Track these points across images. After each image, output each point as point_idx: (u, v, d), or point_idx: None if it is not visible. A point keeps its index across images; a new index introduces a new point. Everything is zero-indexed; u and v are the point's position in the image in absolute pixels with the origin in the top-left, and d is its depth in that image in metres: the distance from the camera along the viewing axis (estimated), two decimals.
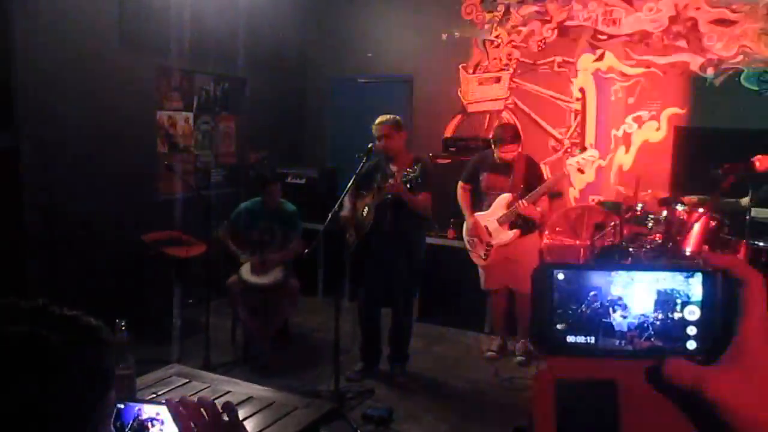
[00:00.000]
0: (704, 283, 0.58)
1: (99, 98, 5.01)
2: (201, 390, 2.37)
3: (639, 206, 5.03)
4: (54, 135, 4.70)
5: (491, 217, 4.95)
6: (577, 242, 6.17)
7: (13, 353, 0.82)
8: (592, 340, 0.61)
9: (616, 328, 0.60)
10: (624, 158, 6.18)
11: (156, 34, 5.41)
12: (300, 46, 7.40)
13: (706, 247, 4.66)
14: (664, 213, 4.98)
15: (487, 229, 4.96)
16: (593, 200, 6.18)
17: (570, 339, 0.61)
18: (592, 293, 0.61)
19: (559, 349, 0.62)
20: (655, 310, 0.60)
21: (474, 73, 6.71)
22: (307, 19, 7.37)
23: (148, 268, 5.34)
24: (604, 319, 0.61)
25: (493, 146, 4.89)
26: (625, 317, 0.60)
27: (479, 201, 5.06)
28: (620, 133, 6.16)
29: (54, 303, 0.89)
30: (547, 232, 6.19)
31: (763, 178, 3.79)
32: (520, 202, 4.76)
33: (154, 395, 2.29)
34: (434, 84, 6.87)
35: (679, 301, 0.59)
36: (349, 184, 4.36)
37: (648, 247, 4.94)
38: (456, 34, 6.72)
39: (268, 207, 5.04)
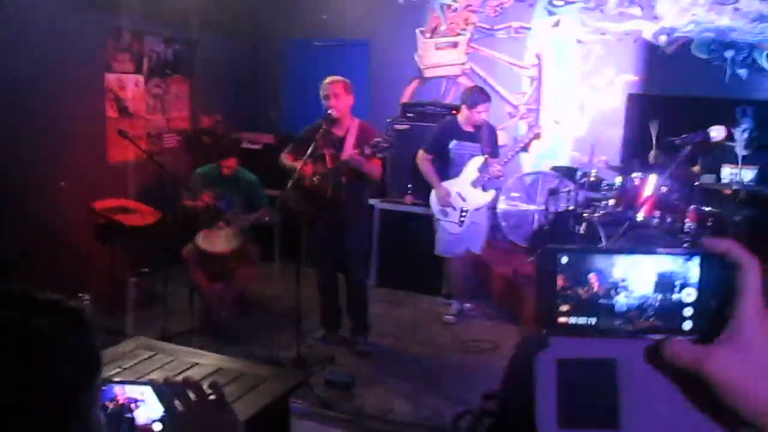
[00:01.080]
0: (702, 266, 0.60)
1: (45, 58, 4.78)
2: (167, 363, 2.34)
3: (593, 172, 5.14)
4: None
5: (464, 182, 5.03)
6: (532, 207, 6.29)
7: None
8: (593, 320, 0.62)
9: (617, 310, 0.62)
10: (578, 124, 6.27)
11: None
12: (253, 7, 7.19)
13: (657, 212, 4.81)
14: (618, 179, 5.10)
15: (459, 195, 5.02)
16: (548, 167, 6.27)
17: (572, 320, 0.63)
18: (593, 275, 0.62)
19: (561, 330, 0.63)
20: (655, 292, 0.61)
21: (431, 37, 6.67)
22: None
23: (101, 235, 5.20)
24: (605, 301, 0.62)
25: (466, 109, 4.93)
26: (626, 299, 0.62)
27: (445, 168, 5.08)
28: (575, 99, 6.24)
29: (33, 287, 0.86)
30: (502, 198, 6.29)
31: (712, 146, 3.91)
32: (495, 165, 4.90)
33: (119, 369, 2.26)
34: (391, 48, 6.81)
35: (678, 282, 0.61)
36: (288, 147, 4.52)
37: (602, 212, 5.06)
38: None
39: (225, 174, 4.95)
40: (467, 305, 5.44)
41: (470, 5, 6.48)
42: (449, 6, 6.56)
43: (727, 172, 5.12)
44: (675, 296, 0.61)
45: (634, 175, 4.94)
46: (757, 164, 5.03)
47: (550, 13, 6.22)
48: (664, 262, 0.61)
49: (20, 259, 4.51)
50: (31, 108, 4.75)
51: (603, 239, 4.73)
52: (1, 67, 4.48)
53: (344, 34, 6.97)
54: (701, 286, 0.60)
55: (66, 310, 0.86)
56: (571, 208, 5.38)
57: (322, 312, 4.78)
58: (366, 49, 6.92)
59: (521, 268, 5.61)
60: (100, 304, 4.34)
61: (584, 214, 5.01)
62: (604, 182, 5.26)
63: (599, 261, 0.62)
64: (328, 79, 4.37)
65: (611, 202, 5.09)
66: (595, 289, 0.62)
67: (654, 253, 0.61)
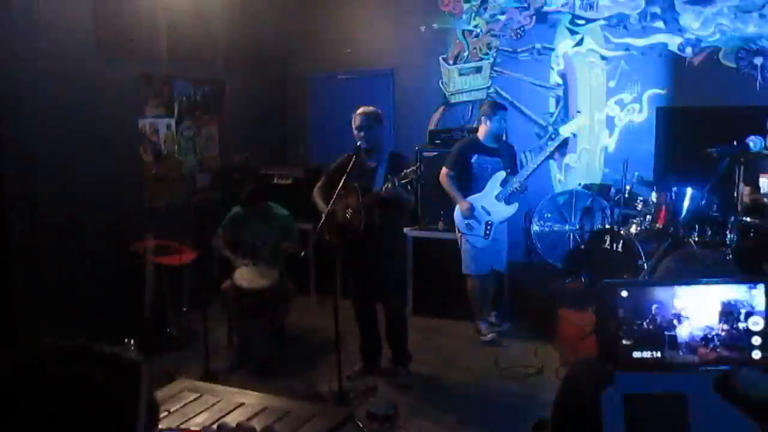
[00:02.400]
0: (767, 294, 0.59)
1: (78, 107, 4.91)
2: (213, 404, 2.35)
3: (627, 188, 5.07)
4: (34, 145, 4.60)
5: (488, 196, 5.16)
6: (567, 227, 6.23)
7: (60, 396, 0.81)
8: (658, 354, 0.61)
9: (680, 341, 0.61)
10: (608, 141, 6.22)
11: (132, 40, 5.33)
12: (278, 45, 7.34)
13: (697, 225, 4.71)
14: (653, 194, 5.03)
15: (484, 208, 5.14)
16: (579, 184, 6.21)
17: (636, 354, 0.62)
18: (655, 307, 0.61)
19: (626, 365, 0.62)
20: (720, 321, 0.60)
21: (454, 63, 6.71)
22: (284, 17, 7.30)
23: (139, 277, 5.28)
24: (668, 332, 0.61)
25: (486, 120, 5.14)
26: (689, 329, 0.61)
27: (467, 184, 5.20)
28: (603, 116, 6.20)
29: (93, 341, 0.88)
30: (535, 219, 6.24)
31: (750, 157, 3.83)
32: (518, 177, 5.10)
33: (167, 413, 2.27)
34: (415, 77, 6.87)
35: (743, 311, 0.60)
36: (320, 181, 4.57)
37: (639, 229, 4.98)
38: (434, 25, 6.71)
39: (256, 212, 5.01)
40: (505, 325, 5.42)
41: (492, 29, 6.52)
42: (471, 32, 6.61)
43: (766, 182, 5.01)
44: (741, 325, 0.60)
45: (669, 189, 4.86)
46: None
47: (573, 33, 6.22)
48: (727, 291, 0.60)
49: (64, 301, 4.60)
50: (70, 156, 4.88)
51: (642, 256, 4.65)
52: (36, 121, 4.61)
53: (368, 64, 7.06)
54: None
55: (125, 363, 0.87)
56: (607, 226, 5.30)
57: (361, 343, 4.75)
58: (390, 79, 6.99)
59: (559, 288, 5.54)
60: (141, 345, 4.38)
61: (621, 232, 4.93)
62: (639, 198, 5.18)
63: (659, 293, 0.61)
64: (360, 110, 4.38)
65: (648, 217, 5.01)
66: (658, 321, 0.61)
67: (717, 282, 0.60)
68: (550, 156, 5.54)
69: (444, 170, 5.26)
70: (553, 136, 5.71)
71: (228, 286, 4.88)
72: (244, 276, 4.86)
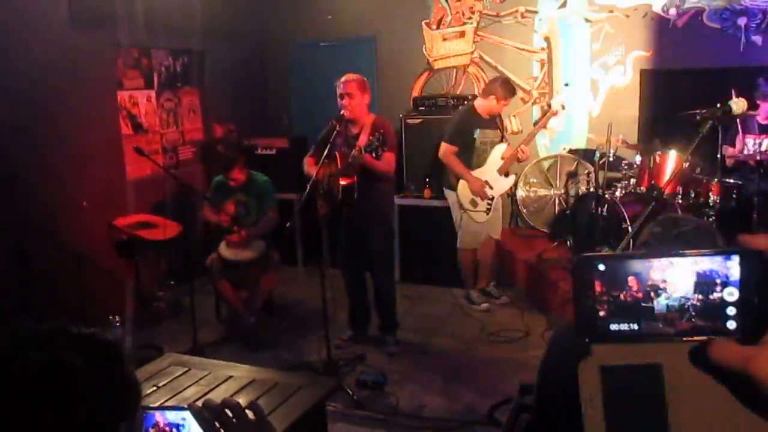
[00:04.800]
0: (742, 265, 0.59)
1: (54, 81, 4.82)
2: (201, 378, 2.35)
3: (611, 152, 5.07)
4: (7, 120, 4.51)
5: (491, 170, 5.12)
6: (552, 191, 6.24)
7: (37, 380, 0.80)
8: (634, 325, 0.61)
9: (657, 312, 0.60)
10: (592, 105, 6.20)
11: (108, 11, 5.20)
12: (257, 13, 7.20)
13: (680, 187, 4.74)
14: (637, 157, 5.04)
15: (488, 183, 5.10)
16: (564, 149, 6.21)
17: (613, 326, 0.61)
18: (631, 279, 0.61)
19: (603, 337, 0.62)
20: (695, 292, 0.60)
21: (438, 29, 6.63)
22: None
23: (123, 252, 5.24)
24: (645, 304, 0.61)
25: (494, 99, 5.02)
26: (666, 300, 0.60)
27: (468, 159, 5.10)
28: (587, 79, 6.17)
29: (70, 323, 0.86)
30: (521, 184, 6.25)
31: (733, 118, 3.84)
32: (520, 147, 5.06)
33: (155, 388, 2.27)
34: (398, 43, 6.77)
35: (718, 281, 0.59)
36: (310, 151, 4.51)
37: (624, 192, 5.00)
38: None
39: (239, 180, 4.97)
40: (504, 298, 5.45)
41: None
42: None
43: (749, 143, 5.04)
44: (716, 296, 0.59)
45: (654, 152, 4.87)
46: None
47: None
48: (702, 263, 0.59)
49: (46, 278, 4.57)
50: (46, 130, 4.79)
51: (627, 220, 4.68)
52: (13, 93, 4.52)
53: (350, 31, 6.96)
54: (743, 285, 0.59)
55: (102, 345, 0.86)
56: (591, 189, 5.32)
57: (350, 312, 4.78)
58: (372, 45, 6.91)
59: (545, 253, 5.58)
60: (128, 320, 4.38)
61: (606, 195, 4.95)
62: (624, 161, 5.20)
63: (635, 265, 0.60)
64: (343, 78, 4.32)
65: (632, 180, 5.03)
66: (634, 293, 0.60)
67: (692, 254, 0.60)
68: (543, 126, 5.50)
69: (446, 146, 5.06)
70: (545, 107, 5.68)
71: (214, 259, 4.87)
72: (229, 248, 4.85)
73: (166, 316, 5.20)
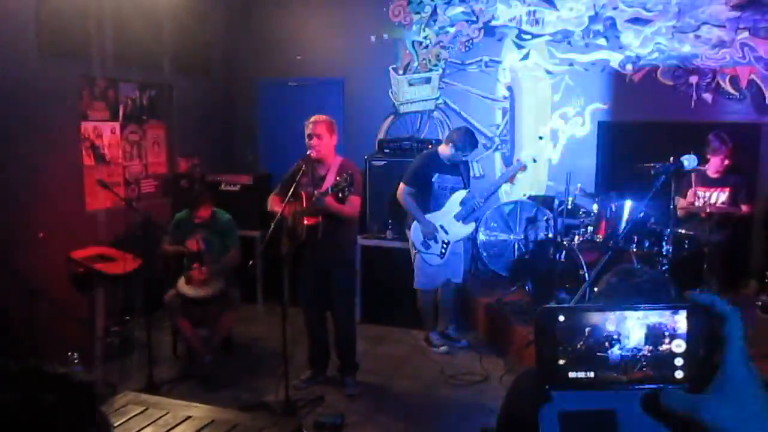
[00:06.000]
0: (689, 319, 0.64)
1: (17, 109, 4.77)
2: (159, 417, 2.31)
3: (570, 200, 5.21)
4: None
5: (447, 215, 5.13)
6: (512, 236, 6.36)
7: (8, 420, 0.80)
8: (591, 374, 0.65)
9: (612, 361, 0.65)
10: (552, 153, 6.39)
11: (76, 41, 5.20)
12: (226, 50, 7.27)
13: (634, 237, 4.89)
14: (595, 206, 5.20)
15: (442, 227, 5.12)
16: (525, 195, 6.36)
17: (572, 374, 0.66)
18: (588, 330, 0.65)
19: (562, 384, 0.66)
20: (646, 343, 0.65)
21: (404, 74, 6.79)
22: (233, 22, 7.25)
23: (80, 285, 5.13)
24: (600, 354, 0.65)
25: (453, 149, 5.04)
26: (620, 351, 0.65)
27: (425, 202, 5.14)
28: (547, 129, 6.37)
29: (43, 362, 0.87)
30: (482, 228, 6.35)
31: (685, 172, 4.02)
32: (477, 198, 5.10)
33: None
34: (365, 86, 6.91)
35: (667, 334, 0.64)
36: (276, 189, 4.49)
37: (581, 239, 5.13)
38: (385, 35, 6.78)
39: (201, 220, 4.96)
40: (464, 341, 5.45)
41: (441, 41, 6.62)
42: (420, 43, 6.70)
43: (700, 195, 5.25)
44: (665, 347, 0.64)
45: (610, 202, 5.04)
46: (727, 186, 5.18)
47: (519, 47, 6.38)
48: (653, 316, 0.65)
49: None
50: (6, 159, 4.72)
51: (584, 266, 4.79)
52: None
53: (319, 72, 7.07)
54: (690, 337, 0.64)
55: (75, 385, 0.87)
56: (550, 236, 5.45)
57: (310, 352, 4.74)
58: (340, 87, 7.02)
59: (504, 297, 5.66)
60: (83, 355, 4.27)
61: (564, 242, 5.07)
62: (582, 209, 5.35)
63: (593, 317, 0.65)
64: (313, 118, 4.38)
65: (590, 228, 5.18)
66: (592, 343, 0.65)
67: (643, 308, 0.65)
68: (510, 180, 5.53)
69: (402, 186, 5.14)
70: (515, 162, 5.63)
71: (172, 295, 4.80)
72: (189, 285, 4.80)
73: (117, 352, 5.08)
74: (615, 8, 6.01)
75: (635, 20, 5.97)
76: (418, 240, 5.17)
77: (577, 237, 5.19)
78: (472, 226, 5.28)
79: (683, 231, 4.92)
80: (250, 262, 4.06)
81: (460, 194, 5.15)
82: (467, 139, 5.06)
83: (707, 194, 5.24)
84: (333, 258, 4.43)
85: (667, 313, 0.64)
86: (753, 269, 5.50)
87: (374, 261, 5.92)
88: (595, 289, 2.06)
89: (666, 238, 4.79)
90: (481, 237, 6.37)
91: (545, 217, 5.92)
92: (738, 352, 0.61)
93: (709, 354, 0.63)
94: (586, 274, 4.71)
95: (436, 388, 4.73)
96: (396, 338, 5.68)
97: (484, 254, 6.39)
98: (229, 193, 6.38)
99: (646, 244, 4.93)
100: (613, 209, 5.00)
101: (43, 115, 4.97)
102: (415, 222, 5.15)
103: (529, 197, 6.28)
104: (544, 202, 6.12)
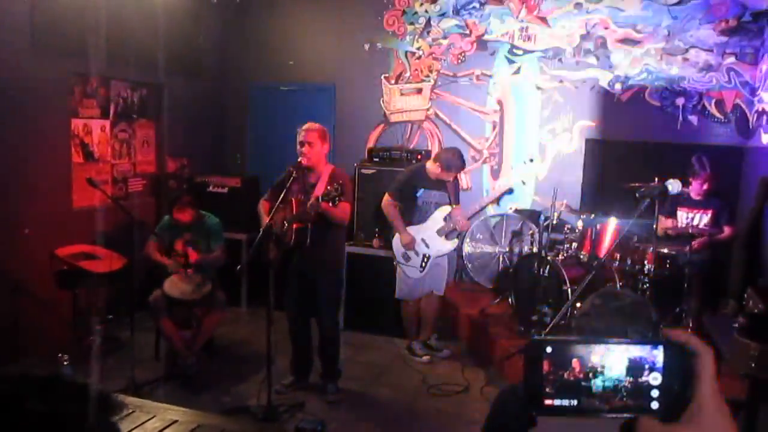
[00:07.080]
0: (666, 354, 0.69)
1: (8, 104, 4.76)
2: (145, 421, 2.32)
3: (555, 215, 5.28)
4: None
5: (429, 229, 5.15)
6: (497, 249, 6.42)
7: (35, 429, 0.82)
8: (574, 402, 0.69)
9: (595, 391, 0.69)
10: (539, 168, 6.46)
11: (70, 38, 5.19)
12: (219, 52, 7.29)
13: (617, 254, 4.97)
14: (579, 222, 5.27)
15: (424, 241, 5.13)
16: (511, 208, 6.43)
17: (557, 402, 0.69)
18: (574, 361, 0.69)
19: (547, 411, 0.70)
20: (627, 375, 0.69)
21: (396, 83, 6.84)
22: (227, 25, 7.27)
23: (64, 282, 5.11)
24: (584, 383, 0.69)
25: (439, 168, 5.03)
26: (602, 381, 0.69)
27: (410, 214, 5.17)
28: (536, 144, 6.45)
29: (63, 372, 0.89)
30: (467, 240, 6.40)
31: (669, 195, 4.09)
32: (460, 218, 5.07)
33: None
34: (357, 93, 6.95)
35: (646, 366, 0.69)
36: (265, 195, 4.53)
37: (565, 255, 5.20)
38: (378, 44, 6.83)
39: (189, 219, 4.96)
40: (446, 351, 5.49)
41: (434, 53, 6.69)
42: (413, 53, 6.76)
43: (682, 216, 5.34)
44: (644, 379, 0.69)
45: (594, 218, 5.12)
46: (710, 208, 5.27)
47: (511, 62, 6.45)
48: (634, 350, 0.69)
49: None
50: None
51: (567, 282, 4.85)
52: None
53: (311, 78, 7.10)
54: (665, 371, 0.68)
55: (95, 395, 0.89)
56: (535, 250, 5.51)
57: (293, 358, 4.75)
58: (332, 94, 7.05)
59: (487, 309, 5.71)
60: (65, 353, 4.25)
61: (548, 257, 5.13)
62: (567, 225, 5.42)
63: (580, 349, 0.69)
64: (305, 126, 4.40)
65: (574, 245, 5.24)
66: (577, 373, 0.69)
67: (626, 342, 0.69)
68: (497, 201, 5.56)
69: (387, 197, 5.18)
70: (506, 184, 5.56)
71: (158, 296, 4.80)
72: (175, 286, 4.80)
73: (99, 351, 5.05)
74: (606, 28, 6.11)
75: (625, 41, 6.07)
76: (399, 252, 5.22)
77: (561, 253, 5.25)
78: (455, 242, 5.26)
79: (665, 250, 5.01)
80: (238, 267, 4.07)
81: (445, 209, 5.16)
82: (455, 162, 5.05)
83: (690, 215, 5.33)
84: (320, 265, 4.45)
85: (647, 347, 0.69)
86: (732, 290, 5.60)
87: (359, 268, 5.95)
88: (578, 305, 2.11)
89: (648, 257, 4.87)
90: (467, 249, 6.42)
91: (530, 231, 5.99)
92: (709, 386, 0.66)
93: (683, 388, 0.68)
94: (569, 290, 4.77)
95: (416, 397, 4.77)
96: (378, 346, 5.71)
97: (469, 265, 6.44)
98: (217, 195, 6.39)
99: (629, 262, 5.01)
100: (598, 227, 5.07)
101: (33, 111, 4.96)
102: (396, 234, 5.19)
103: (515, 210, 6.34)
104: (530, 216, 6.19)
